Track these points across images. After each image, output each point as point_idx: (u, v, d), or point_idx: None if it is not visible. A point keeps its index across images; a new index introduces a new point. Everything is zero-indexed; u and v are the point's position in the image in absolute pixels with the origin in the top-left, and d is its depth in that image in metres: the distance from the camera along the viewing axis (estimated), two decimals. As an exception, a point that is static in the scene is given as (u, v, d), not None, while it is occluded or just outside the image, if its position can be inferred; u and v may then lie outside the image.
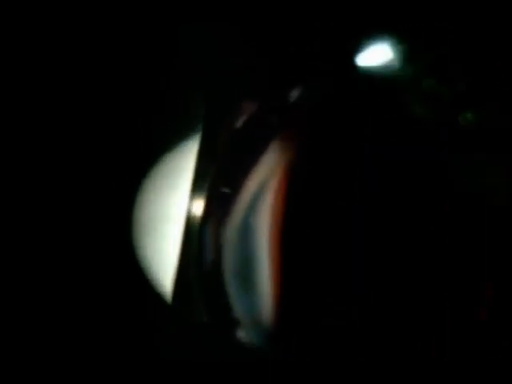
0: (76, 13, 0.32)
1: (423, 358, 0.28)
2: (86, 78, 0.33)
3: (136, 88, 0.33)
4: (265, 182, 0.29)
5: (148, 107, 0.33)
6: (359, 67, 0.29)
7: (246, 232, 0.29)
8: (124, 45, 0.33)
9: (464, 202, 0.28)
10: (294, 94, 0.30)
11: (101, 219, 0.33)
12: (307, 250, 0.28)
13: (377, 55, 0.29)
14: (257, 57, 0.31)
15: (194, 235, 0.29)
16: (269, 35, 0.30)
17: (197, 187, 0.30)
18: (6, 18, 0.32)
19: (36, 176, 0.33)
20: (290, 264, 0.28)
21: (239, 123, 0.30)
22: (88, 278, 0.33)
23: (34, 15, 0.32)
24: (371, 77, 0.29)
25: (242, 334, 0.30)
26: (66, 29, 0.32)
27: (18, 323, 0.33)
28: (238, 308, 0.29)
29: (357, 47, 0.29)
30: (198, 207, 0.30)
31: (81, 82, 0.33)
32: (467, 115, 0.28)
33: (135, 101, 0.33)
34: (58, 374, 0.33)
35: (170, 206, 0.31)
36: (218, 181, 0.29)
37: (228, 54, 0.31)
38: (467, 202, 0.28)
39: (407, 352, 0.28)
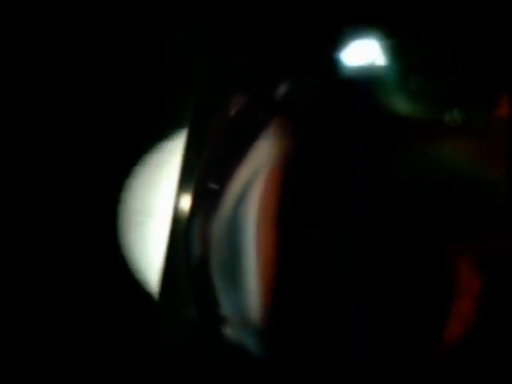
0: (77, 12, 0.33)
1: (423, 357, 0.28)
2: (87, 77, 0.33)
3: (129, 86, 0.33)
4: (252, 178, 0.29)
5: (138, 105, 0.33)
6: (347, 65, 0.29)
7: (234, 227, 0.28)
8: (124, 44, 0.33)
9: (464, 202, 0.28)
10: (282, 90, 0.30)
11: (86, 217, 0.33)
12: (300, 243, 0.28)
13: (365, 54, 0.29)
14: (247, 55, 0.31)
15: (181, 230, 0.29)
16: (262, 35, 0.31)
17: (184, 182, 0.29)
18: (6, 18, 0.32)
19: (27, 175, 0.33)
20: (281, 260, 0.28)
21: (227, 119, 0.30)
22: (73, 277, 0.33)
23: (34, 15, 0.33)
24: (359, 75, 0.29)
25: (229, 333, 0.29)
26: (66, 27, 0.33)
27: (13, 326, 0.33)
28: (226, 305, 0.29)
29: (345, 45, 0.29)
30: (185, 202, 0.29)
31: (83, 80, 0.33)
32: (454, 113, 0.28)
33: (127, 98, 0.33)
34: (54, 374, 0.32)
35: (157, 202, 0.31)
36: (205, 176, 0.29)
37: (226, 53, 0.31)
38: (467, 202, 0.28)
39: (407, 352, 0.28)
